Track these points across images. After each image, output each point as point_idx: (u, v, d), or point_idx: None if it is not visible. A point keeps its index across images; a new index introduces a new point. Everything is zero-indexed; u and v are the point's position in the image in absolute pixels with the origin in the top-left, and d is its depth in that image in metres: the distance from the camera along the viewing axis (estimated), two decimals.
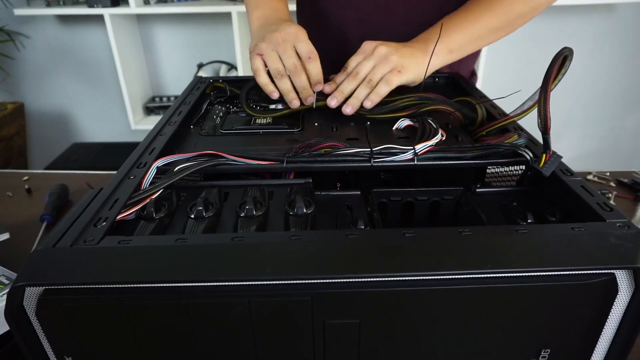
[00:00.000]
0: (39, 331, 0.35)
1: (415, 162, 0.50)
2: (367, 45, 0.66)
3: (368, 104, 0.62)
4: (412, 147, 0.50)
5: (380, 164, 0.49)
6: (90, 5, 1.95)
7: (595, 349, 0.39)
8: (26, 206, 0.85)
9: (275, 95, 0.65)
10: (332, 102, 0.63)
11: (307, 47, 0.63)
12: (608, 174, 0.91)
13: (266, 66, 0.65)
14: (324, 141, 0.51)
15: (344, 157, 0.50)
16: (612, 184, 0.88)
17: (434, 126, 0.54)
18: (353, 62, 0.66)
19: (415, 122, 0.58)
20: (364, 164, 0.50)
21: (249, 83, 0.70)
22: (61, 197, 0.84)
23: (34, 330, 0.35)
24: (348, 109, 0.62)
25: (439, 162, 0.50)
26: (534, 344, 0.37)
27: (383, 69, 0.63)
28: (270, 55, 0.64)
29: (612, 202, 0.81)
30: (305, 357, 0.36)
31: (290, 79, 0.64)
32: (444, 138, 0.53)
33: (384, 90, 0.62)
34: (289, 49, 0.63)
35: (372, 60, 0.64)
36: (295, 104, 0.64)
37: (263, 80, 0.65)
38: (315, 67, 0.64)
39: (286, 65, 0.63)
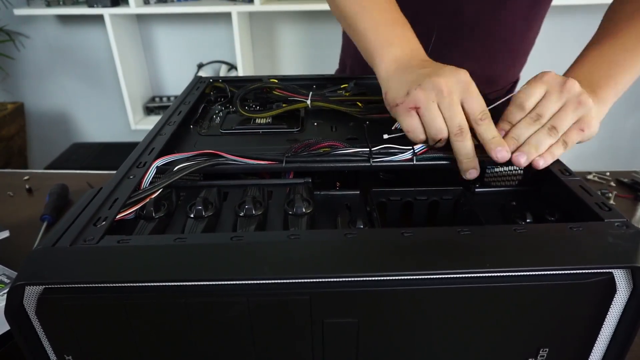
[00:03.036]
0: (39, 330, 0.35)
1: (414, 162, 0.50)
2: (551, 77, 0.50)
3: (541, 163, 0.47)
4: (411, 147, 0.50)
5: (379, 163, 0.50)
6: (90, 5, 1.96)
7: (594, 348, 0.39)
8: (26, 206, 0.86)
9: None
10: (500, 155, 0.47)
11: (479, 104, 0.48)
12: (608, 173, 0.91)
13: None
14: (323, 141, 0.51)
15: (343, 157, 0.50)
16: (612, 183, 0.88)
17: None
18: (531, 96, 0.50)
19: None
20: (363, 164, 0.50)
21: (246, 86, 0.69)
22: (61, 196, 0.84)
23: (34, 329, 0.35)
24: (522, 159, 0.47)
25: (437, 162, 0.50)
26: (532, 343, 0.37)
27: (573, 115, 0.49)
28: (431, 109, 0.48)
29: (612, 201, 0.81)
30: (304, 356, 0.37)
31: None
32: None
33: (559, 151, 0.49)
34: (455, 104, 0.48)
35: (562, 99, 0.49)
36: (471, 174, 0.49)
37: (421, 140, 0.51)
38: (488, 130, 0.48)
39: (450, 125, 0.48)
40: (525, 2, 0.79)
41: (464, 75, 0.49)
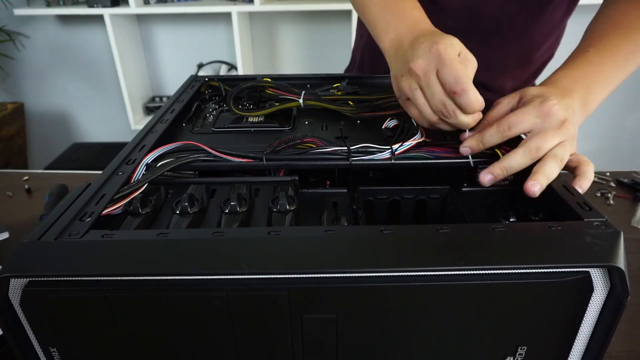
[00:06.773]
0: (24, 322, 0.36)
1: (393, 162, 0.50)
2: (553, 114, 0.47)
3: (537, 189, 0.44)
4: (389, 147, 0.50)
5: (359, 162, 0.50)
6: (90, 5, 1.97)
7: (573, 346, 0.39)
8: (26, 206, 0.86)
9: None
10: (487, 178, 0.47)
11: (450, 74, 0.45)
12: (608, 174, 0.92)
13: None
14: (303, 137, 0.52)
15: (322, 155, 0.50)
16: (612, 184, 0.89)
17: (414, 125, 0.54)
18: (529, 126, 0.47)
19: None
20: (343, 162, 0.50)
21: (240, 85, 0.70)
22: (61, 197, 0.84)
23: (19, 322, 0.36)
24: (536, 189, 0.44)
25: (416, 162, 0.51)
26: (510, 341, 0.38)
27: (570, 150, 0.48)
28: (417, 97, 0.48)
29: (611, 201, 0.82)
30: (284, 350, 0.37)
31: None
32: (422, 138, 0.53)
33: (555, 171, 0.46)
34: (433, 83, 0.46)
35: (559, 137, 0.47)
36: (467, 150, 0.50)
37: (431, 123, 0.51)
38: (466, 103, 0.46)
39: (433, 107, 0.48)
40: (558, 15, 0.74)
41: (436, 46, 0.46)
